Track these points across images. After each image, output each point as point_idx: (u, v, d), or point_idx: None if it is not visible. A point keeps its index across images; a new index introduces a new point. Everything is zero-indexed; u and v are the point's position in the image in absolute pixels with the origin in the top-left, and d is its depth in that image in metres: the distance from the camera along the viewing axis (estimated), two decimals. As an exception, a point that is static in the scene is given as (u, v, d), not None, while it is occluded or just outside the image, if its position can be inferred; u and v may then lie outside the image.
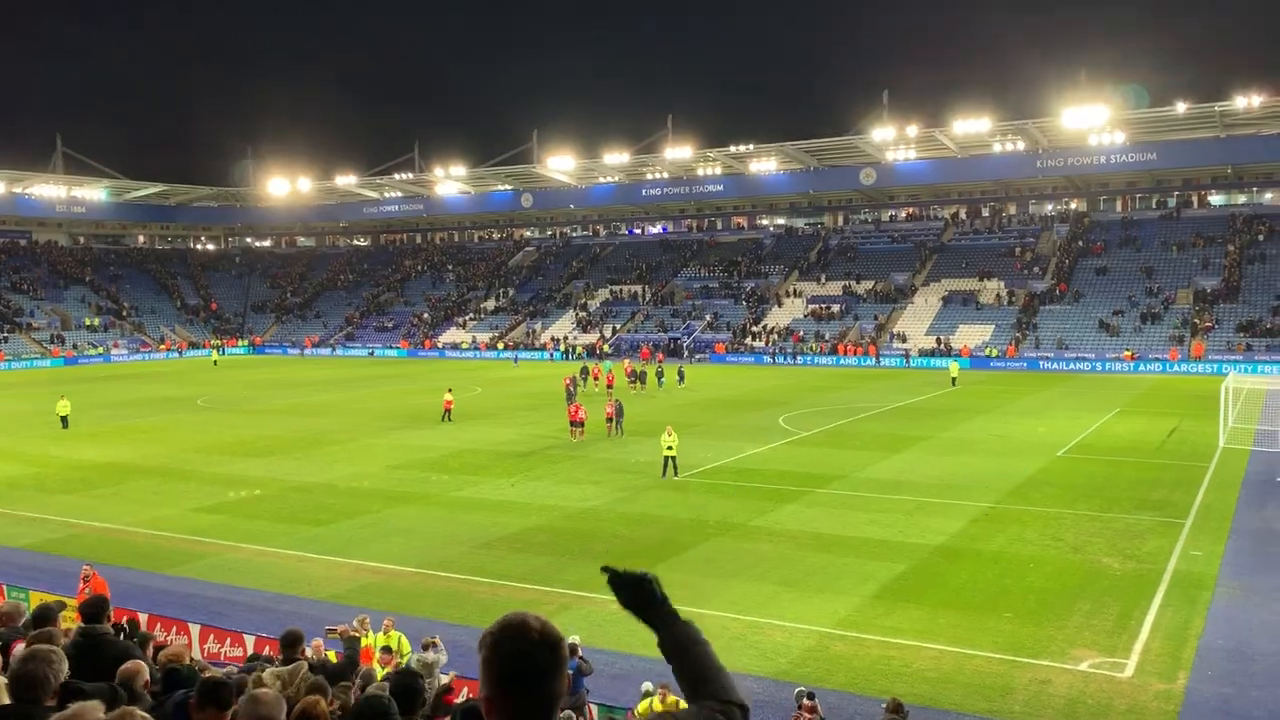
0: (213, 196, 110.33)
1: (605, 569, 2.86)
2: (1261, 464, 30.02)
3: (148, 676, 6.30)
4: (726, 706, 2.68)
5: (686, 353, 75.41)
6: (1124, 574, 19.21)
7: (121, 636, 8.38)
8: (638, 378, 53.93)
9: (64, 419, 40.47)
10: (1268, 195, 77.38)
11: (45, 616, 8.13)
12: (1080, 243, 78.76)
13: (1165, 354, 62.96)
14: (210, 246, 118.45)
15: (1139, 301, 69.47)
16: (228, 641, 15.18)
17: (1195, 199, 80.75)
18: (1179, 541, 21.38)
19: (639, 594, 2.83)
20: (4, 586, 17.24)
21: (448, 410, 41.36)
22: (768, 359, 72.67)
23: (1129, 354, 63.51)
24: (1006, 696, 13.84)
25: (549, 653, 2.46)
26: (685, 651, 2.77)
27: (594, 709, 12.58)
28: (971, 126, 74.56)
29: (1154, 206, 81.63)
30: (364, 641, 12.35)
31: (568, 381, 45.87)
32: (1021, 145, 78.32)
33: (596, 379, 53.40)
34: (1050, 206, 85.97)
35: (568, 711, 10.01)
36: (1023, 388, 53.18)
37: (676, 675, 2.78)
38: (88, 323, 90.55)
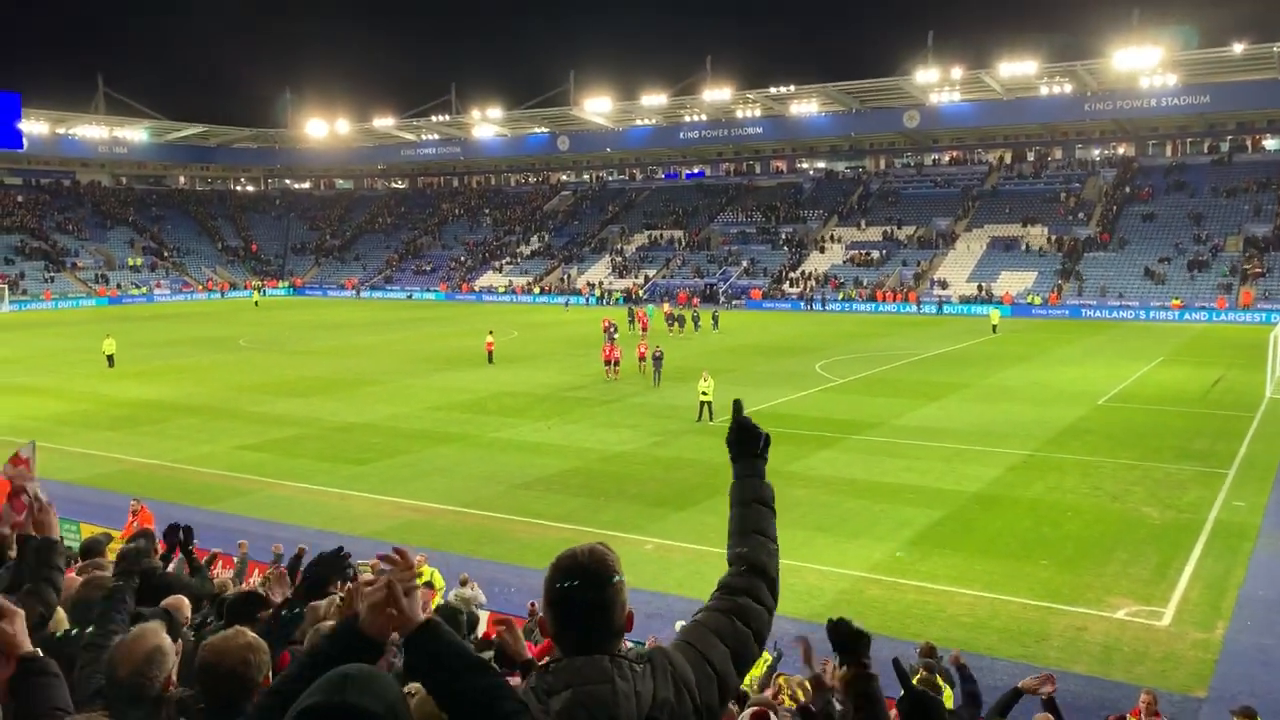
0: (252, 138, 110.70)
1: (738, 401, 3.21)
2: (1309, 415, 29.48)
3: (188, 612, 6.45)
4: (747, 575, 2.81)
5: (723, 298, 75.10)
6: (1164, 523, 19.06)
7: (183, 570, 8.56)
8: (676, 321, 54.09)
9: (110, 358, 41.20)
10: (1325, 140, 75.13)
11: (93, 549, 8.34)
12: (1127, 188, 76.99)
13: (1213, 302, 61.73)
14: (250, 188, 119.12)
15: (1186, 249, 67.93)
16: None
17: (1249, 143, 78.51)
18: (1221, 492, 21.14)
19: (746, 438, 3.08)
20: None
21: (489, 352, 41.86)
22: (804, 305, 72.20)
23: (1177, 302, 62.27)
24: (1041, 642, 13.86)
25: (593, 588, 2.48)
26: (737, 506, 3.01)
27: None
28: (1018, 68, 72.74)
29: (1205, 151, 79.43)
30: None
31: (605, 323, 46.13)
32: (1069, 88, 76.34)
33: (639, 321, 53.70)
34: (1097, 151, 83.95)
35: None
36: (1065, 336, 52.45)
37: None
38: (131, 263, 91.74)
